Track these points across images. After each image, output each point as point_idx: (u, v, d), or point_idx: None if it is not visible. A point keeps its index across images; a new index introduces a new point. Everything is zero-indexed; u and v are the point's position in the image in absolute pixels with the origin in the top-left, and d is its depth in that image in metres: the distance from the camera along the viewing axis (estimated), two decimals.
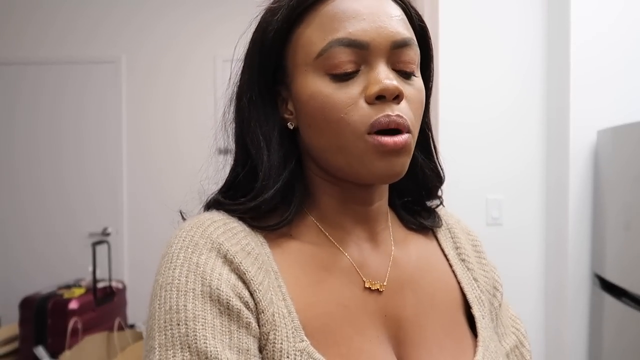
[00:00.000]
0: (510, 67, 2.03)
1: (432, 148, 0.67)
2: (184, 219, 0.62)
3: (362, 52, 0.54)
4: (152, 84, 3.77)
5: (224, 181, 0.63)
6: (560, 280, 1.91)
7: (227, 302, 0.51)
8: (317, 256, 0.59)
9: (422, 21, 0.61)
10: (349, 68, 0.54)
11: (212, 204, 0.61)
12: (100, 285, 2.94)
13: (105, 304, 2.91)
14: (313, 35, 0.56)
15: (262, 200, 0.57)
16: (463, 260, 0.68)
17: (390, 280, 0.61)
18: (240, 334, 0.50)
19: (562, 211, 1.89)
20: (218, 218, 0.57)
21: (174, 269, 0.52)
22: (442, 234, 0.70)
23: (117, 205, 3.78)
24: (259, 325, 0.52)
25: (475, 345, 0.61)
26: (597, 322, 1.79)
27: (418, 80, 0.58)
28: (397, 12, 0.57)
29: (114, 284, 3.07)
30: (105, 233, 3.72)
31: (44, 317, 2.67)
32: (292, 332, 0.52)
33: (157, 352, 0.49)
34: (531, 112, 2.02)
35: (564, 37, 1.86)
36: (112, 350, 2.57)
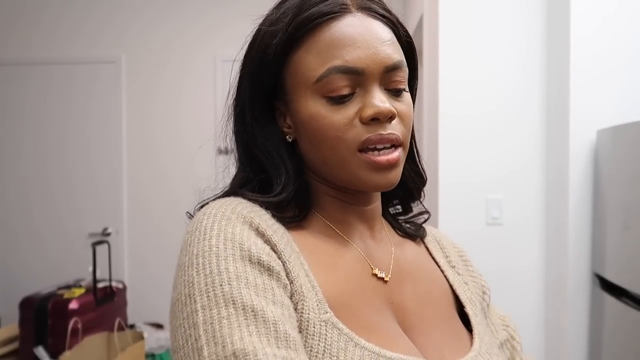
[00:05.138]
0: (509, 65, 2.03)
1: (415, 153, 0.74)
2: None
3: (358, 77, 0.60)
4: (154, 84, 3.78)
5: (234, 178, 0.67)
6: (560, 280, 1.91)
7: (268, 264, 0.54)
8: (329, 244, 0.64)
9: (409, 37, 0.67)
10: (345, 91, 0.60)
11: (230, 195, 0.64)
12: (100, 285, 2.94)
13: (105, 304, 2.91)
14: (312, 62, 0.60)
15: (284, 197, 0.63)
16: (453, 267, 0.75)
17: (393, 273, 0.66)
18: (281, 292, 0.53)
19: (562, 211, 1.89)
20: (244, 200, 0.61)
21: (210, 238, 0.54)
22: (431, 244, 0.77)
23: (117, 205, 3.78)
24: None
25: (471, 337, 0.67)
26: (597, 321, 1.79)
27: (407, 96, 0.64)
28: (388, 35, 0.62)
29: (114, 284, 3.07)
30: (105, 233, 3.72)
31: (44, 317, 2.66)
32: (317, 304, 0.55)
33: (200, 314, 0.50)
34: (530, 112, 2.03)
35: (563, 32, 1.86)
36: (112, 350, 2.57)
